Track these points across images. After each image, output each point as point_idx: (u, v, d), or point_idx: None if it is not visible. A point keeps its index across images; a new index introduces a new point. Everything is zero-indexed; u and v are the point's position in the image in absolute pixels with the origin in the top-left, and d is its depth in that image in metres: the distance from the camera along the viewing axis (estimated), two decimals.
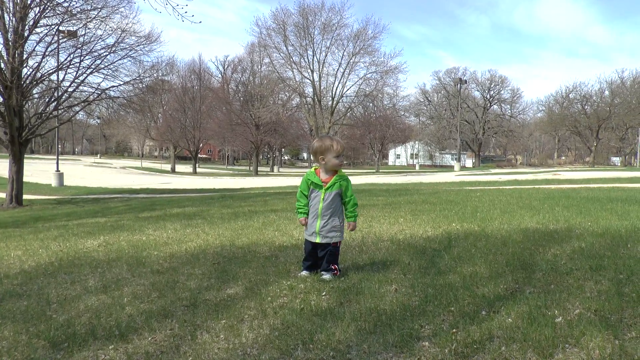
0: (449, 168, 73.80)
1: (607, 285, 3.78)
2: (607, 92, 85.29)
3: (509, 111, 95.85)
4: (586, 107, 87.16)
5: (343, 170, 4.71)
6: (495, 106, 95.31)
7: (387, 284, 4.19)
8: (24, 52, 19.23)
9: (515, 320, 3.12)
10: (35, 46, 19.89)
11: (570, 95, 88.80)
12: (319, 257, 4.63)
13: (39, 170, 44.90)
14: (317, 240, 4.55)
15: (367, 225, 7.70)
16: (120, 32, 21.23)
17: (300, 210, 4.72)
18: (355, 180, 35.18)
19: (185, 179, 45.69)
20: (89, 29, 20.51)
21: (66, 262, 6.07)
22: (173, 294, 4.23)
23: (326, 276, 4.46)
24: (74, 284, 4.87)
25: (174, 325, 3.44)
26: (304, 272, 4.66)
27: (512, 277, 4.15)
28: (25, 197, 21.50)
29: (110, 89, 22.33)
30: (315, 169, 4.66)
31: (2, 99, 19.04)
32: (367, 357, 2.78)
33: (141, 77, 23.64)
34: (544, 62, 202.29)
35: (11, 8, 18.67)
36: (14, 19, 18.52)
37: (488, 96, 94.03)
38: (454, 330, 3.02)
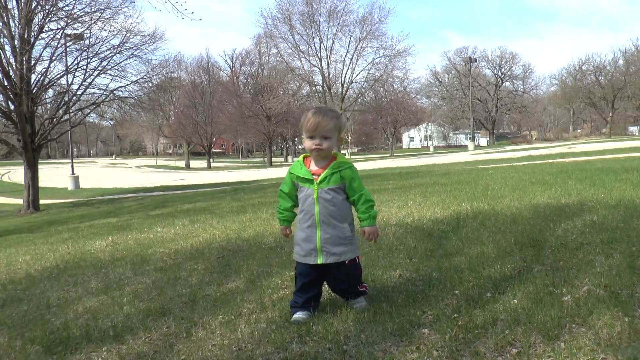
0: (464, 148, 73.24)
1: (619, 259, 3.62)
2: (621, 62, 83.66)
3: (522, 87, 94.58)
4: (600, 77, 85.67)
5: (346, 156, 3.55)
6: (507, 83, 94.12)
7: (392, 269, 4.07)
8: (32, 59, 19.31)
9: (521, 301, 2.98)
10: (42, 52, 20.02)
11: (583, 67, 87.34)
12: (334, 286, 3.37)
13: (55, 174, 45.29)
14: (319, 260, 3.20)
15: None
16: (125, 33, 21.25)
17: (280, 217, 3.44)
18: (368, 165, 35.00)
19: (200, 174, 45.86)
20: (93, 31, 20.56)
21: (72, 264, 6.04)
22: (173, 291, 4.16)
23: (362, 303, 3.30)
24: (76, 285, 4.83)
25: (170, 323, 3.36)
26: (299, 314, 3.19)
27: (520, 255, 4.00)
28: (42, 201, 21.67)
29: (119, 89, 22.39)
30: (304, 157, 3.38)
31: (13, 107, 19.15)
32: (365, 347, 2.66)
33: (149, 76, 23.64)
34: (554, 35, 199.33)
35: (17, 14, 18.72)
36: (19, 25, 18.57)
37: (499, 73, 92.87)
38: (456, 315, 2.90)
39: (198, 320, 3.36)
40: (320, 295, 3.39)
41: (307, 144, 3.23)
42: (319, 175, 3.22)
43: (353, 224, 3.33)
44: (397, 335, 2.76)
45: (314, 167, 3.29)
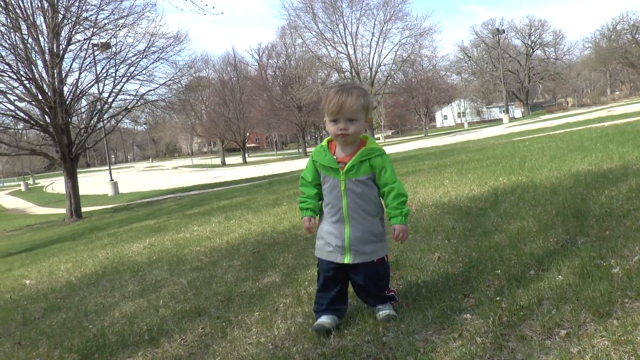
0: (498, 121, 71.73)
1: None
2: None
3: (553, 54, 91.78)
4: (637, 36, 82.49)
5: (376, 141, 2.96)
6: (538, 51, 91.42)
7: (430, 252, 3.94)
8: (62, 71, 19.67)
9: (567, 277, 2.82)
10: (72, 63, 20.43)
11: (617, 26, 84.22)
12: (359, 289, 2.95)
13: (95, 182, 46.27)
14: (347, 260, 2.80)
15: (412, 192, 7.40)
16: (149, 37, 21.44)
17: (303, 205, 2.94)
18: (403, 147, 34.66)
19: (236, 170, 46.13)
20: (119, 38, 20.81)
21: (110, 269, 6.09)
22: (209, 290, 4.12)
23: (388, 311, 2.83)
24: (113, 291, 4.85)
25: (205, 324, 3.31)
26: (323, 319, 2.83)
27: (563, 227, 3.81)
28: (84, 209, 22.12)
29: (148, 93, 22.63)
30: (328, 141, 2.92)
31: (49, 119, 19.56)
32: (405, 337, 2.55)
33: (177, 77, 23.80)
34: None
35: (45, 29, 19.07)
36: (48, 39, 18.92)
37: (529, 42, 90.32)
38: (498, 298, 2.75)
39: (234, 319, 3.30)
40: (346, 297, 2.99)
41: (331, 128, 2.77)
42: (345, 164, 2.78)
43: (384, 217, 2.94)
44: (438, 322, 2.64)
45: (340, 153, 2.84)
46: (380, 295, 2.89)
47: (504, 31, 79.42)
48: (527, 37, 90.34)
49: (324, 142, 2.93)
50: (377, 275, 2.87)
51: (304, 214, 2.93)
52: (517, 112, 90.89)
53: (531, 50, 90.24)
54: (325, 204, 2.91)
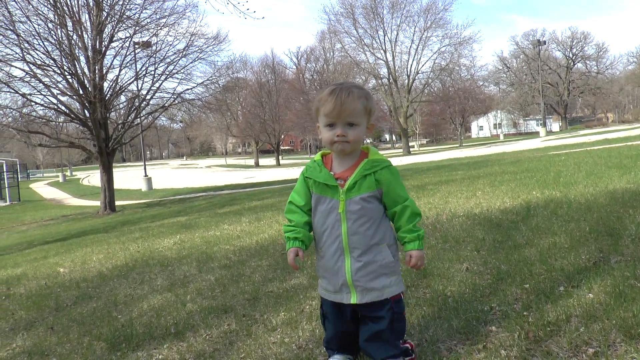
0: (535, 134, 70.62)
1: None
2: None
3: (595, 68, 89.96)
4: None
5: (379, 151, 2.51)
6: (579, 64, 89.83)
7: (458, 262, 3.91)
8: (104, 67, 20.14)
9: (597, 296, 2.77)
10: (113, 60, 20.84)
11: None
12: (366, 335, 2.37)
13: (130, 177, 47.11)
14: (353, 299, 2.32)
15: (443, 202, 7.35)
16: (189, 37, 21.78)
17: (289, 234, 2.42)
18: (437, 156, 34.39)
19: (269, 172, 46.39)
20: (159, 37, 21.21)
21: (140, 262, 6.21)
22: (236, 288, 4.17)
23: None
24: (142, 283, 4.95)
25: (231, 321, 3.36)
26: (336, 358, 2.47)
27: (596, 245, 3.74)
28: (118, 203, 22.55)
29: (186, 92, 22.97)
30: (322, 155, 2.45)
31: (88, 114, 20.03)
32: (429, 345, 2.55)
33: (215, 77, 24.12)
34: (630, 9, 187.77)
35: (89, 27, 19.57)
36: (91, 36, 19.42)
37: (570, 55, 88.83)
38: (525, 313, 2.72)
39: (259, 318, 3.34)
40: (353, 344, 2.50)
41: (326, 135, 2.30)
42: (345, 180, 2.31)
43: (396, 244, 2.42)
44: (463, 332, 2.63)
45: (337, 168, 2.36)
46: (394, 344, 2.35)
47: (544, 42, 78.27)
48: (568, 50, 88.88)
49: (317, 156, 2.46)
50: (393, 315, 2.33)
51: (290, 244, 2.40)
52: (555, 126, 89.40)
53: (572, 63, 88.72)
54: (320, 233, 2.40)
